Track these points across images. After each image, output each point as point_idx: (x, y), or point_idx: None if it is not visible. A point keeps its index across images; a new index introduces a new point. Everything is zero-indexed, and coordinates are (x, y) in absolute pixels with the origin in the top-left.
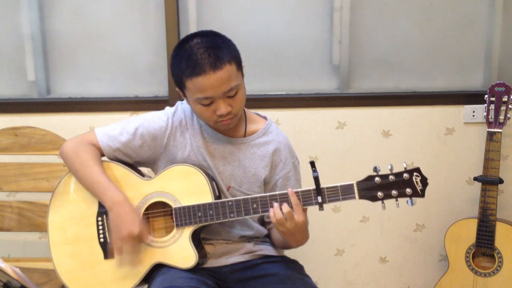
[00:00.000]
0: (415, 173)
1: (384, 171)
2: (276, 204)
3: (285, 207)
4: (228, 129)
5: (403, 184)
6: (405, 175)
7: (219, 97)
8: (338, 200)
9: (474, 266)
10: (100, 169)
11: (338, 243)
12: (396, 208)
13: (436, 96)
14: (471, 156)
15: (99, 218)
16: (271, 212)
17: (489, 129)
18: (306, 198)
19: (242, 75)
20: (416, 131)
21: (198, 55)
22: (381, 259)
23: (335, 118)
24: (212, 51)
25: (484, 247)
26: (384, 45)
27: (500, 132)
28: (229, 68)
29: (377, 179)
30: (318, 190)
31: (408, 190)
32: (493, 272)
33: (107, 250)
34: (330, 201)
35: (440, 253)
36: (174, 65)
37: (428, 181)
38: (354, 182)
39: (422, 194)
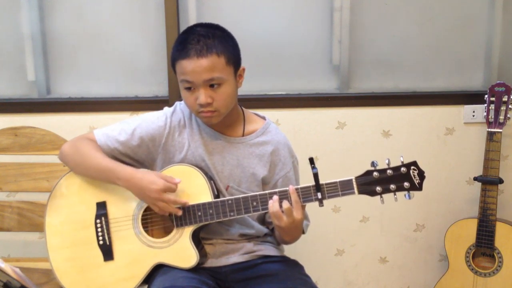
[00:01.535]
0: (412, 167)
1: (381, 166)
2: (275, 197)
3: (285, 203)
4: (226, 129)
5: (401, 178)
6: (403, 169)
7: (199, 85)
8: (338, 195)
9: (474, 266)
10: (101, 154)
11: (338, 243)
12: (396, 208)
13: (436, 96)
14: (471, 156)
15: (98, 221)
16: (270, 203)
17: (489, 129)
18: (305, 195)
19: (237, 75)
20: (416, 131)
21: (189, 40)
22: (381, 259)
23: (335, 118)
24: (203, 39)
25: (484, 247)
26: (384, 45)
27: (500, 132)
28: (215, 59)
29: (375, 173)
30: (318, 186)
31: (406, 184)
32: (493, 272)
33: (106, 252)
34: (329, 197)
35: (440, 253)
36: (172, 47)
37: (425, 174)
38: (353, 178)
39: (419, 188)
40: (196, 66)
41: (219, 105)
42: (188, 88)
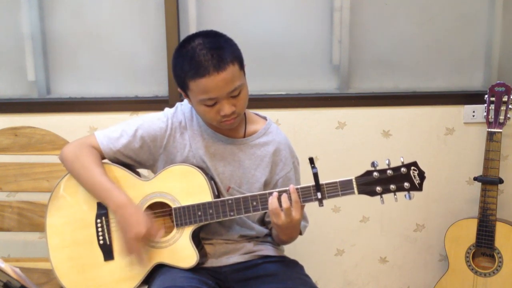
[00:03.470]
0: (412, 167)
1: (382, 166)
2: (275, 193)
3: (285, 202)
4: (228, 130)
5: (401, 178)
6: (403, 169)
7: (223, 98)
8: (338, 195)
9: (474, 266)
10: (101, 171)
11: (338, 243)
12: (396, 208)
13: (436, 96)
14: (471, 156)
15: (98, 220)
16: (269, 200)
17: (489, 129)
18: (305, 195)
19: (244, 74)
20: (416, 131)
21: (201, 56)
22: (381, 259)
23: (335, 118)
24: (215, 52)
25: (484, 247)
26: (384, 45)
27: (500, 132)
28: (232, 68)
29: (375, 174)
30: (318, 186)
31: (406, 184)
32: (493, 272)
33: (107, 252)
34: (329, 197)
35: (440, 253)
36: (176, 66)
37: (425, 174)
38: (353, 178)
39: (420, 188)
40: (218, 81)
41: (240, 110)
42: (209, 105)
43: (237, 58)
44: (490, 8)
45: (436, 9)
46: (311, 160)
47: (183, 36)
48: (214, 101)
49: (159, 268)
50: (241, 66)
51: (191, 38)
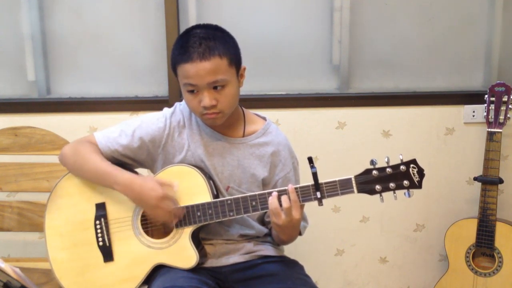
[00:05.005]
0: (411, 165)
1: (381, 164)
2: (274, 193)
3: (286, 202)
4: (227, 129)
5: (400, 176)
6: (402, 167)
7: (203, 87)
8: (337, 194)
9: (474, 266)
10: (101, 158)
11: (338, 243)
12: (396, 208)
13: (436, 96)
14: (471, 156)
15: (97, 222)
16: (269, 199)
17: (489, 129)
18: (305, 194)
19: (239, 75)
20: (416, 131)
21: (190, 43)
22: (381, 259)
23: (335, 118)
24: (205, 42)
25: (484, 247)
26: (384, 45)
27: (500, 132)
28: (218, 61)
29: (374, 172)
30: (317, 185)
31: (406, 182)
32: (493, 272)
33: (106, 253)
34: (329, 196)
35: (440, 253)
36: (172, 50)
37: (424, 172)
38: (352, 176)
39: (419, 186)
40: (200, 69)
41: (224, 107)
42: (191, 91)
43: (228, 55)
44: (490, 8)
45: (436, 9)
46: (310, 160)
47: None
48: (194, 88)
49: (159, 268)
50: (232, 63)
51: (193, 27)
